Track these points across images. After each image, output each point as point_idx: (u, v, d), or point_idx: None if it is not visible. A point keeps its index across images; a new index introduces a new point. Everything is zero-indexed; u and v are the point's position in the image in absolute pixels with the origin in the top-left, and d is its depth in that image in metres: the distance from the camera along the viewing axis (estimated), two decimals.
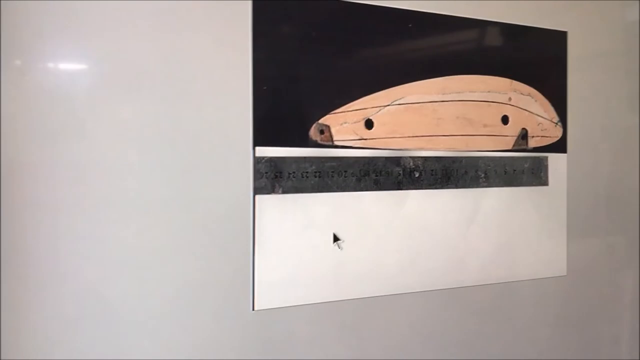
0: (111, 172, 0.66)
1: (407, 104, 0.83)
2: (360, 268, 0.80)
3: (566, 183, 0.96)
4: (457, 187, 0.87)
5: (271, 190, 0.75)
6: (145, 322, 0.69)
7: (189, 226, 0.70)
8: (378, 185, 0.81)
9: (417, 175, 0.84)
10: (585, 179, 0.98)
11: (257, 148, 0.74)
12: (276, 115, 0.75)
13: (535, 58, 0.94)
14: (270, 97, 0.74)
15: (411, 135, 0.83)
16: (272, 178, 0.75)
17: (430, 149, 0.85)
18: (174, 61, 0.69)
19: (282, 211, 0.75)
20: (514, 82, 0.91)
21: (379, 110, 0.81)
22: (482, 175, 0.88)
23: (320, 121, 0.78)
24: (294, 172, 0.76)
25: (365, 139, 0.80)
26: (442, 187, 0.86)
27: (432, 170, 0.85)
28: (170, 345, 0.70)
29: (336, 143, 0.79)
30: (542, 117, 0.93)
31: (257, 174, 0.74)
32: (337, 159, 0.79)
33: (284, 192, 0.75)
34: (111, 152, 0.66)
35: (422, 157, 0.84)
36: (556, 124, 0.95)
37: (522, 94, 0.92)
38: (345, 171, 0.79)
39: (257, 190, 0.74)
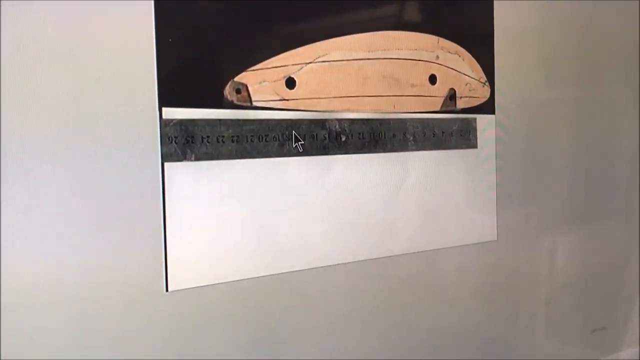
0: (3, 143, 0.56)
1: (331, 61, 0.76)
2: (284, 240, 0.74)
3: (495, 146, 0.93)
4: (385, 151, 0.81)
5: (182, 157, 0.66)
6: (51, 308, 0.59)
7: (91, 200, 0.61)
8: (302, 150, 0.74)
9: (343, 139, 0.78)
10: (513, 141, 0.96)
11: (164, 109, 0.65)
12: (185, 71, 0.66)
13: (463, 15, 0.89)
14: (177, 50, 0.65)
15: (336, 95, 0.77)
16: (182, 143, 0.66)
17: (357, 111, 0.79)
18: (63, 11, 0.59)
19: (195, 180, 0.67)
20: (441, 39, 0.86)
21: (301, 68, 0.74)
22: (411, 138, 0.84)
23: (236, 79, 0.69)
24: (208, 137, 0.68)
25: (287, 100, 0.73)
26: (370, 152, 0.80)
27: (359, 134, 0.79)
28: (78, 332, 0.61)
29: (255, 104, 0.71)
30: (470, 76, 0.89)
31: (166, 139, 0.65)
32: (257, 122, 0.71)
33: (197, 158, 0.67)
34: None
35: (348, 119, 0.78)
36: (484, 84, 0.91)
37: (449, 52, 0.87)
38: (266, 135, 0.72)
39: (166, 157, 0.65)
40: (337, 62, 0.77)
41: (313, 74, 0.75)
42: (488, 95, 0.92)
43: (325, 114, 0.76)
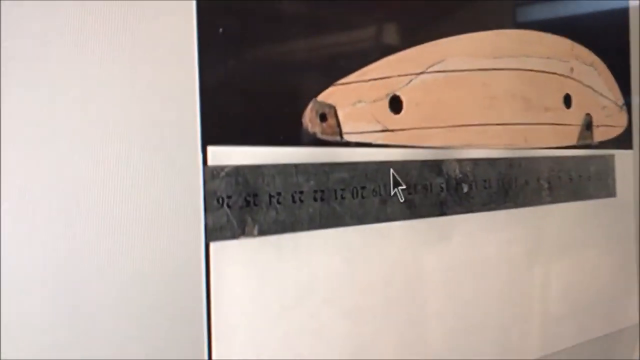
0: None
1: (447, 71, 0.50)
2: (390, 351, 0.46)
3: (637, 193, 0.67)
4: (516, 205, 0.55)
5: (240, 232, 0.38)
6: None
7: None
8: (412, 209, 0.47)
9: (465, 190, 0.51)
10: None
11: (210, 149, 0.37)
12: (243, 84, 0.39)
13: (597, 14, 0.64)
14: (230, 54, 0.38)
15: (455, 123, 0.50)
16: (239, 207, 0.38)
17: (481, 146, 0.52)
18: None
19: (260, 271, 0.39)
20: (576, 45, 0.61)
21: (410, 82, 0.47)
22: (546, 185, 0.57)
23: (320, 98, 0.42)
24: (279, 194, 0.40)
25: (391, 131, 0.46)
26: (498, 207, 0.53)
27: (484, 181, 0.52)
28: None
29: (347, 137, 0.44)
30: (607, 97, 0.64)
31: (213, 200, 0.37)
32: (350, 167, 0.44)
33: (261, 232, 0.39)
34: None
35: (471, 159, 0.51)
36: (621, 107, 0.66)
37: (584, 63, 0.62)
38: (363, 188, 0.44)
39: (213, 232, 0.37)
40: (455, 73, 0.50)
41: (425, 91, 0.48)
42: (625, 123, 0.67)
43: (441, 151, 0.49)
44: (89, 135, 0.33)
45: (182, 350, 0.36)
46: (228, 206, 0.38)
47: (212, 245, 0.37)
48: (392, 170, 0.46)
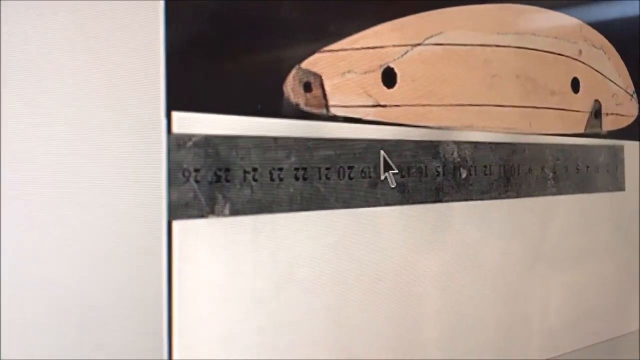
0: None
1: (447, 44, 0.45)
2: (378, 351, 0.41)
3: None
4: (519, 195, 0.50)
5: (208, 210, 0.34)
6: None
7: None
8: (404, 193, 0.43)
9: (464, 176, 0.46)
10: None
11: (175, 115, 0.33)
12: (217, 43, 0.35)
13: None
14: (203, 5, 0.34)
15: (454, 102, 0.46)
16: (209, 182, 0.34)
17: (483, 129, 0.48)
18: None
19: (231, 255, 0.35)
20: (584, 26, 0.57)
21: (405, 53, 0.43)
22: (550, 175, 0.53)
23: (304, 65, 0.38)
24: (254, 170, 0.36)
25: (384, 106, 0.42)
26: (499, 196, 0.49)
27: (485, 167, 0.48)
28: None
29: (334, 111, 0.39)
30: (617, 84, 0.60)
31: (178, 174, 0.33)
32: (338, 144, 0.39)
33: (233, 212, 0.35)
34: None
35: (471, 142, 0.47)
36: (632, 96, 0.62)
37: (594, 46, 0.58)
38: (351, 168, 0.40)
39: (176, 209, 0.33)
40: (455, 47, 0.46)
41: (422, 65, 0.44)
42: (636, 112, 0.63)
43: (438, 132, 0.45)
44: (36, 97, 0.29)
45: (137, 347, 0.32)
46: (195, 181, 0.33)
47: (175, 224, 0.33)
48: (382, 152, 0.42)
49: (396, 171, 0.42)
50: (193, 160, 0.33)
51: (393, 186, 0.42)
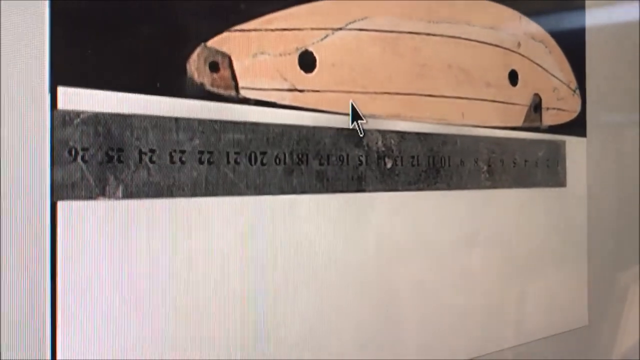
0: None
1: (371, 30, 0.44)
2: (288, 342, 0.40)
3: (586, 184, 0.62)
4: (449, 187, 0.49)
5: (98, 192, 0.32)
6: None
7: None
8: (323, 182, 0.41)
9: (389, 166, 0.45)
10: (609, 177, 0.66)
11: (61, 90, 0.31)
12: (111, 12, 0.33)
13: None
14: None
15: (379, 90, 0.45)
16: (99, 162, 0.32)
17: (411, 119, 0.47)
18: None
19: (125, 242, 0.33)
20: (524, 17, 0.56)
21: (325, 37, 0.42)
22: (485, 168, 0.52)
23: (210, 43, 0.36)
24: (152, 151, 0.34)
25: (301, 91, 0.40)
26: (427, 187, 0.48)
27: (412, 158, 0.47)
28: None
29: (244, 93, 0.38)
30: (558, 78, 0.59)
31: (64, 152, 0.31)
32: (248, 128, 0.38)
33: (127, 195, 0.33)
34: None
35: (397, 132, 0.46)
36: (574, 91, 0.61)
37: (533, 38, 0.57)
38: (264, 153, 0.38)
39: (61, 189, 0.31)
40: (381, 34, 0.45)
41: (343, 49, 0.42)
42: (579, 108, 0.62)
43: (360, 120, 0.43)
44: None
45: (17, 346, 0.30)
46: (83, 160, 0.31)
47: (59, 204, 0.31)
48: (310, 149, 0.40)
49: (324, 165, 0.41)
50: (81, 138, 0.31)
51: (311, 171, 0.41)
